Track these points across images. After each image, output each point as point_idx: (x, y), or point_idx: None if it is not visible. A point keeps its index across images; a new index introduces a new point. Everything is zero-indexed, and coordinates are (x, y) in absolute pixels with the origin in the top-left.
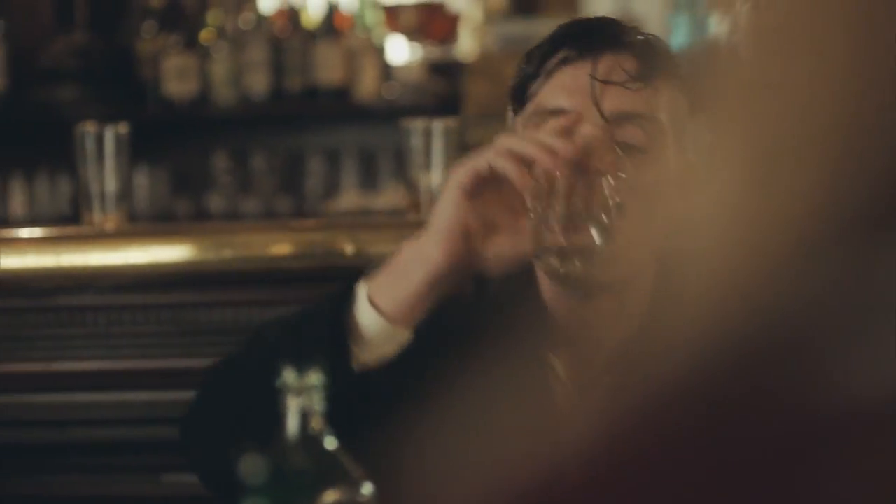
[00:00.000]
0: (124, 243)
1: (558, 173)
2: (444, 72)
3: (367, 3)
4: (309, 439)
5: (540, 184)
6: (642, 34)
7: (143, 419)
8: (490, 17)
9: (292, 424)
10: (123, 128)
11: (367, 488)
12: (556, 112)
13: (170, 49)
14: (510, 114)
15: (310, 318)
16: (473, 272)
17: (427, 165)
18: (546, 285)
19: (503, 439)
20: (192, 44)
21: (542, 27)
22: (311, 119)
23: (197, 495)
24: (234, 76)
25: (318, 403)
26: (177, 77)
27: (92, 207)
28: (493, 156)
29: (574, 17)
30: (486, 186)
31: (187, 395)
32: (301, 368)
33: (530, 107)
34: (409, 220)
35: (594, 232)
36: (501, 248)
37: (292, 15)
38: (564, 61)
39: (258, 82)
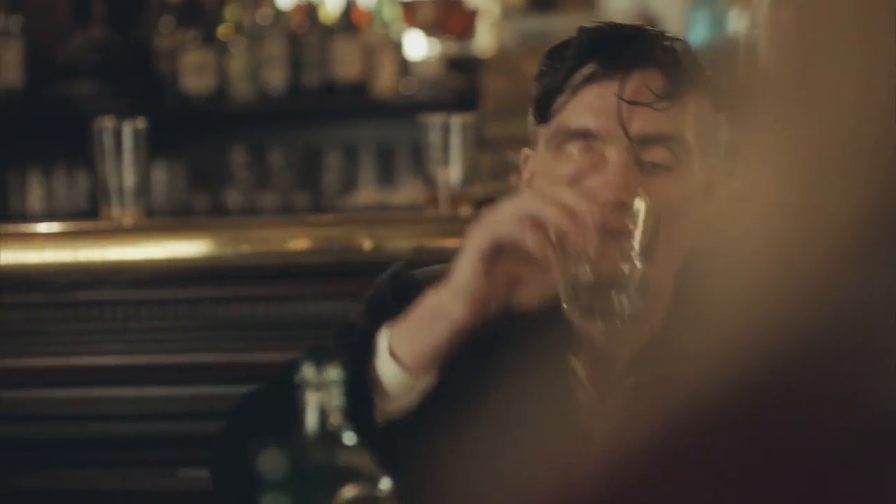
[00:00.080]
0: (142, 238)
1: (581, 239)
2: (462, 67)
3: None
4: (328, 435)
5: (563, 249)
6: (669, 40)
7: (160, 414)
8: (508, 13)
9: (311, 420)
10: (141, 123)
11: (385, 484)
12: (582, 133)
13: (187, 44)
14: (531, 120)
15: None
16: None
17: (445, 161)
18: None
19: (526, 442)
20: (209, 39)
21: (560, 23)
22: (329, 114)
23: (213, 490)
24: (252, 71)
25: (336, 399)
26: (194, 72)
27: (110, 202)
28: (512, 224)
29: (593, 15)
30: (507, 249)
31: (205, 390)
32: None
33: (554, 123)
34: (426, 216)
35: (620, 300)
36: (526, 297)
37: (310, 10)
38: (591, 79)
39: (276, 77)
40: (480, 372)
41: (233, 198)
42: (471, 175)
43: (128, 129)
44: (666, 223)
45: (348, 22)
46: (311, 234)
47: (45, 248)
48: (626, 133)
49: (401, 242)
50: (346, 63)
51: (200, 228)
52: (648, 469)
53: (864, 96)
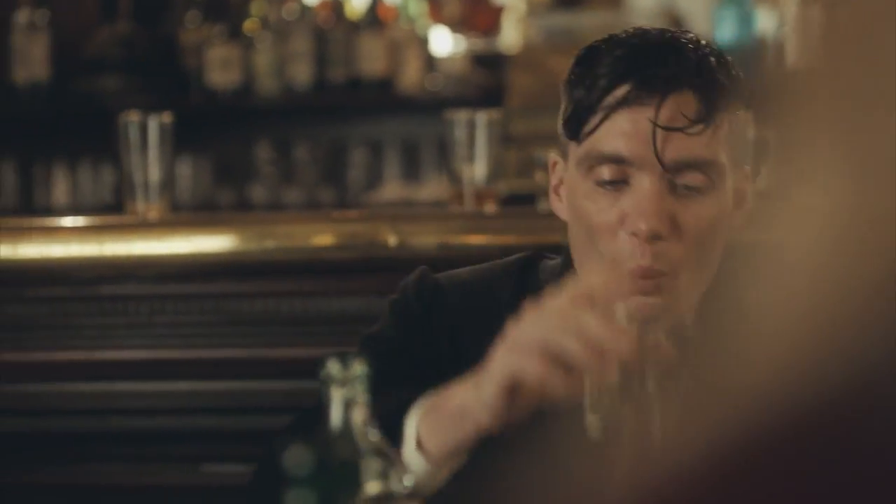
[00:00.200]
0: (167, 233)
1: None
2: (488, 63)
3: None
4: (352, 430)
5: (590, 381)
6: (702, 53)
7: (184, 409)
8: (534, 9)
9: (336, 416)
10: (167, 117)
11: (409, 479)
12: (614, 158)
13: (213, 39)
14: (561, 132)
15: None
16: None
17: (470, 157)
18: None
19: (549, 446)
20: (235, 34)
21: (586, 20)
22: (354, 110)
23: (236, 485)
24: (278, 67)
25: (361, 395)
26: (220, 67)
27: (135, 197)
28: (534, 363)
29: (619, 12)
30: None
31: (229, 385)
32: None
33: (586, 145)
34: (451, 212)
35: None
36: (554, 399)
37: (336, 5)
38: (624, 102)
39: (301, 73)
40: None
41: (257, 193)
42: (496, 172)
43: (153, 124)
44: (699, 243)
45: (374, 17)
46: (336, 230)
47: (71, 242)
48: (661, 161)
49: (425, 239)
50: (371, 59)
51: (225, 223)
52: (673, 478)
53: None
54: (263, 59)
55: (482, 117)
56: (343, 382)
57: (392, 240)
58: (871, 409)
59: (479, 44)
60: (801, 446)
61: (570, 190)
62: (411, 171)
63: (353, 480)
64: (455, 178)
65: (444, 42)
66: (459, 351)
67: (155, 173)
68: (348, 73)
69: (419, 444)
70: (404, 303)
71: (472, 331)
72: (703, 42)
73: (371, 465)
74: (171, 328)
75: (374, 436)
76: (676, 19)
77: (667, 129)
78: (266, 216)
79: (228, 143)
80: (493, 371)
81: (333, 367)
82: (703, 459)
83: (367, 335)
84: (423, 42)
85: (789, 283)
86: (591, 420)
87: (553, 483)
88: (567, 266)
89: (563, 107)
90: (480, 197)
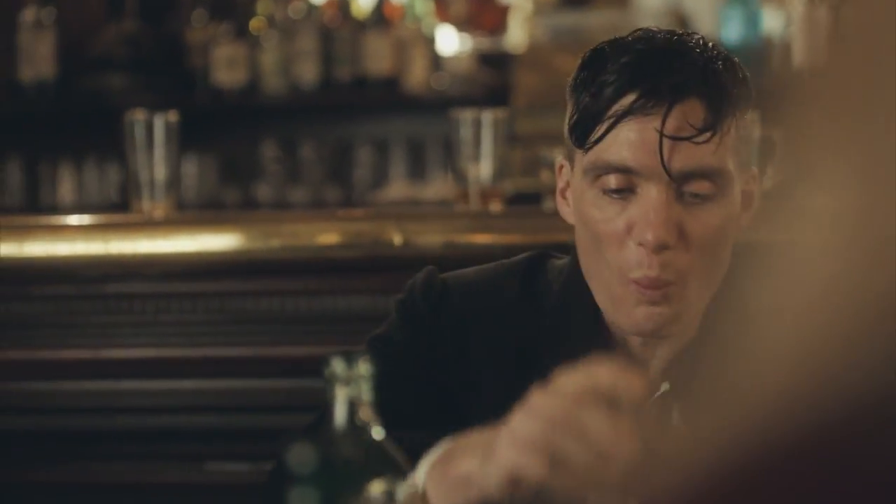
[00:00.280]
0: (172, 231)
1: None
2: (494, 62)
3: None
4: (356, 429)
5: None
6: (709, 57)
7: (189, 407)
8: (540, 8)
9: (340, 414)
10: (172, 116)
11: (413, 479)
12: (620, 168)
13: (219, 38)
14: (567, 138)
15: None
16: None
17: (475, 156)
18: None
19: None
20: (241, 33)
21: (592, 19)
22: (360, 109)
23: (240, 483)
24: (284, 65)
25: (365, 393)
26: (226, 66)
27: (141, 195)
28: (534, 463)
29: (625, 12)
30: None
31: (234, 383)
32: None
33: (592, 154)
34: (456, 211)
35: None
36: (557, 493)
37: (342, 4)
38: (630, 111)
39: (307, 72)
40: (516, 385)
41: (263, 192)
42: (501, 171)
43: (159, 123)
44: (707, 250)
45: (380, 16)
46: (341, 229)
47: (76, 241)
48: (667, 171)
49: (431, 237)
50: (377, 58)
51: (231, 222)
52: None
53: None
54: (269, 58)
55: (488, 116)
56: (347, 381)
57: (397, 239)
58: (885, 422)
59: (486, 43)
60: (811, 461)
61: (576, 196)
62: (417, 169)
63: (356, 479)
64: (461, 177)
65: (450, 41)
66: (466, 351)
67: (161, 172)
68: (354, 72)
69: (424, 495)
70: (411, 303)
71: (479, 331)
72: (710, 45)
73: (375, 464)
74: (177, 326)
75: (378, 434)
76: (682, 19)
77: (673, 138)
78: (271, 215)
79: (234, 142)
80: (497, 461)
81: (338, 365)
82: (710, 475)
83: (373, 336)
84: (430, 41)
85: (798, 286)
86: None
87: None
88: (574, 267)
89: (568, 112)
90: (486, 196)
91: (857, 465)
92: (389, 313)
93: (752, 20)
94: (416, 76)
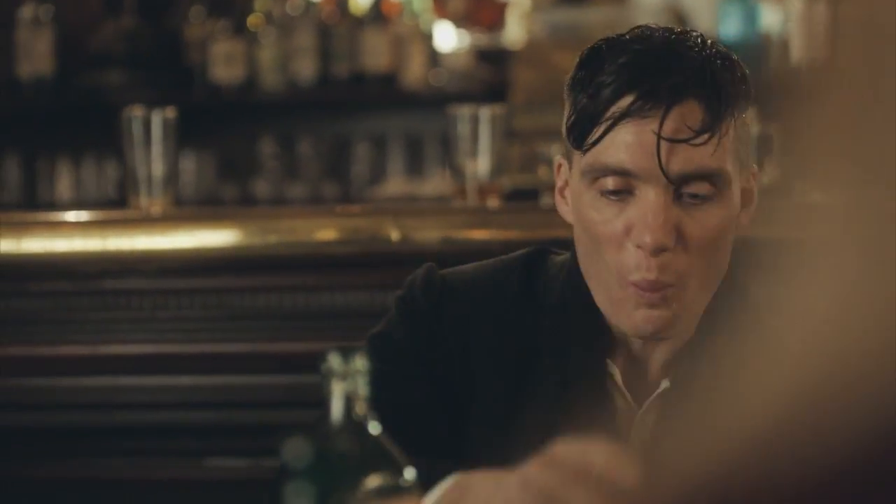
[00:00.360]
0: (170, 228)
1: None
2: (492, 59)
3: None
4: (353, 424)
5: None
6: (707, 57)
7: (186, 403)
8: (538, 5)
9: (336, 409)
10: (170, 112)
11: (410, 473)
12: (618, 171)
13: (217, 34)
14: (564, 139)
15: None
16: None
17: (473, 152)
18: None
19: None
20: (239, 29)
21: (590, 16)
22: (358, 105)
23: (239, 479)
24: (282, 62)
25: (362, 388)
26: (224, 62)
27: (138, 191)
28: None
29: (623, 8)
30: None
31: (231, 379)
32: None
33: (590, 156)
34: (454, 207)
35: None
36: None
37: (340, 1)
38: (628, 114)
39: (305, 68)
40: (519, 380)
41: (261, 188)
42: (499, 167)
43: (157, 119)
44: (706, 251)
45: (378, 13)
46: (339, 225)
47: (74, 237)
48: (665, 173)
49: (428, 233)
50: (375, 54)
51: (228, 218)
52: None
53: None
54: (267, 55)
55: (486, 112)
56: (344, 376)
57: (395, 234)
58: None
59: (483, 39)
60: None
61: (575, 197)
62: (415, 166)
63: (353, 474)
64: (458, 173)
65: (448, 37)
66: (467, 348)
67: (158, 168)
68: (352, 68)
69: None
70: (411, 300)
71: (480, 328)
72: (709, 42)
73: (371, 459)
74: (174, 322)
75: (374, 429)
76: (680, 15)
77: (671, 141)
78: (269, 211)
79: (232, 138)
80: None
81: (334, 360)
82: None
83: (373, 334)
84: (427, 37)
85: (807, 283)
86: None
87: None
88: (574, 265)
89: (566, 111)
90: (484, 192)
91: (877, 476)
92: (388, 309)
93: (751, 16)
94: (414, 72)
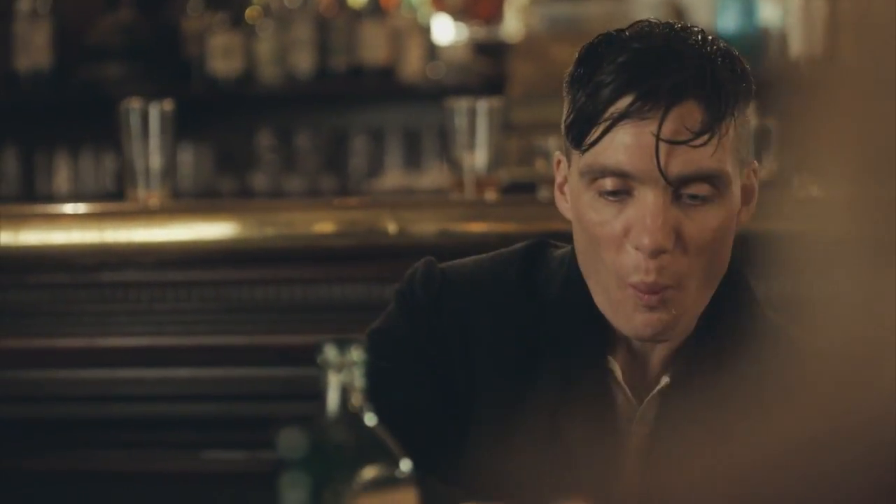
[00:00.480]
0: (168, 220)
1: None
2: (490, 52)
3: None
4: (349, 415)
5: None
6: (707, 55)
7: (184, 396)
8: None
9: (332, 400)
10: (168, 105)
11: (405, 465)
12: (617, 172)
13: (215, 27)
14: (563, 138)
15: None
16: None
17: (471, 145)
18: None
19: (566, 447)
20: (237, 22)
21: (589, 9)
22: (356, 98)
23: (236, 472)
24: (280, 55)
25: (358, 379)
26: (222, 55)
27: (136, 184)
28: None
29: (621, 2)
30: None
31: (229, 372)
32: None
33: (589, 156)
34: (452, 200)
35: None
36: None
37: None
38: (627, 115)
39: (303, 61)
40: (519, 375)
41: (259, 181)
42: (497, 159)
43: (155, 112)
44: (706, 253)
45: (376, 6)
46: (337, 218)
47: (72, 229)
48: (664, 175)
49: (426, 226)
50: (373, 47)
51: (226, 211)
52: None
53: None
54: (265, 47)
55: (483, 105)
56: (340, 367)
57: (392, 227)
58: None
59: (481, 32)
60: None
61: (573, 196)
62: (412, 159)
63: (349, 465)
64: (456, 166)
65: (445, 30)
66: (467, 343)
67: (156, 161)
68: (350, 61)
69: None
70: (411, 294)
71: (480, 323)
72: (710, 39)
73: (367, 450)
74: (172, 315)
75: (370, 420)
76: (679, 10)
77: (670, 142)
78: (267, 203)
79: (230, 131)
80: None
81: (330, 352)
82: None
83: (373, 329)
84: (425, 30)
85: (814, 279)
86: None
87: (567, 467)
88: (574, 262)
89: (565, 108)
90: (481, 185)
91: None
92: (386, 302)
93: (749, 10)
94: (412, 65)
